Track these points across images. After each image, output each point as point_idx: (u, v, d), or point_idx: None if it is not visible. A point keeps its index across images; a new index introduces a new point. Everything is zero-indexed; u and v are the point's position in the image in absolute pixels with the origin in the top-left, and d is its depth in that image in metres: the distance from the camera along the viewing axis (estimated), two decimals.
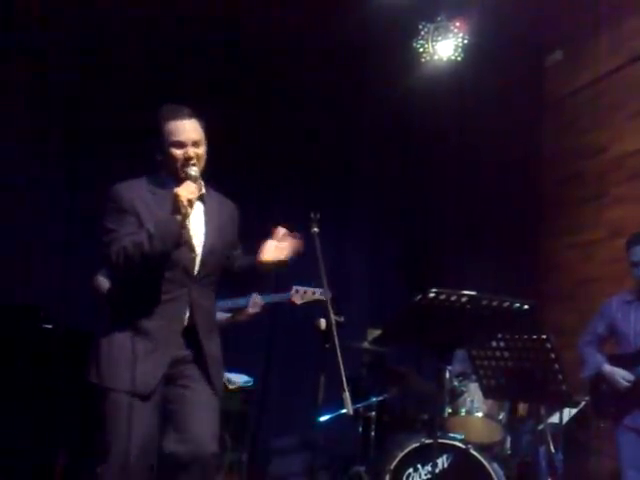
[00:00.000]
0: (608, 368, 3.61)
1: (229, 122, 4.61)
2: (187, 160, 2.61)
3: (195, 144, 2.63)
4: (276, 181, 5.09)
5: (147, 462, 2.52)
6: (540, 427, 4.01)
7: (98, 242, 2.62)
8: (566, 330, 4.73)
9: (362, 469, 4.00)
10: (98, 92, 4.68)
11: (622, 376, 3.53)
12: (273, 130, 5.07)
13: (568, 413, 4.23)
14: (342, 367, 2.45)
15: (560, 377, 3.08)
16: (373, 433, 4.04)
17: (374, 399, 4.12)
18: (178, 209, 2.48)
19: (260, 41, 5.05)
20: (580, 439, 4.38)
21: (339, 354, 2.50)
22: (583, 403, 4.13)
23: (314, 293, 3.83)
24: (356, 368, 4.14)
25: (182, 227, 2.51)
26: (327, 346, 2.65)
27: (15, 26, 4.51)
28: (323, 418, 3.77)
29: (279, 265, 2.67)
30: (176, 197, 2.48)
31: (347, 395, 2.41)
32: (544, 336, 3.06)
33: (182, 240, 2.55)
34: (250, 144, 4.96)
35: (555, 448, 3.93)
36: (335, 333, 2.54)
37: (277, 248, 2.67)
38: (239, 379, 4.17)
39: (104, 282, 3.75)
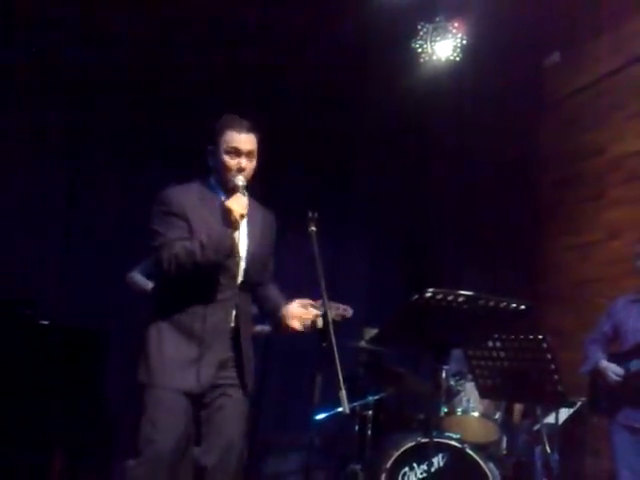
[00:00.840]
0: (604, 363, 3.65)
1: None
2: (239, 171, 2.67)
3: (249, 155, 2.70)
4: (275, 180, 5.09)
5: (175, 460, 2.56)
6: (536, 427, 4.02)
7: (145, 245, 2.67)
8: (563, 331, 4.75)
9: (358, 467, 4.00)
10: (98, 92, 4.69)
11: (613, 371, 3.57)
12: (272, 129, 5.06)
13: (564, 413, 4.25)
14: (339, 366, 2.46)
15: (556, 377, 3.09)
16: (369, 432, 4.04)
17: (371, 398, 4.13)
18: (231, 223, 2.56)
19: (259, 41, 5.05)
20: (576, 439, 4.39)
21: (336, 353, 2.51)
22: (579, 403, 4.15)
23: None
24: (353, 367, 4.14)
25: (233, 239, 2.59)
26: (324, 345, 2.67)
27: (15, 26, 4.52)
28: (320, 417, 3.79)
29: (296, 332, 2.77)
30: (229, 211, 2.56)
31: (344, 394, 2.42)
32: (540, 336, 3.06)
33: (234, 252, 2.62)
34: None
35: (551, 448, 3.94)
36: (332, 332, 2.55)
37: (301, 315, 2.74)
38: None
39: (141, 279, 3.97)
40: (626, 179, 5.10)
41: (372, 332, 3.86)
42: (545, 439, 3.81)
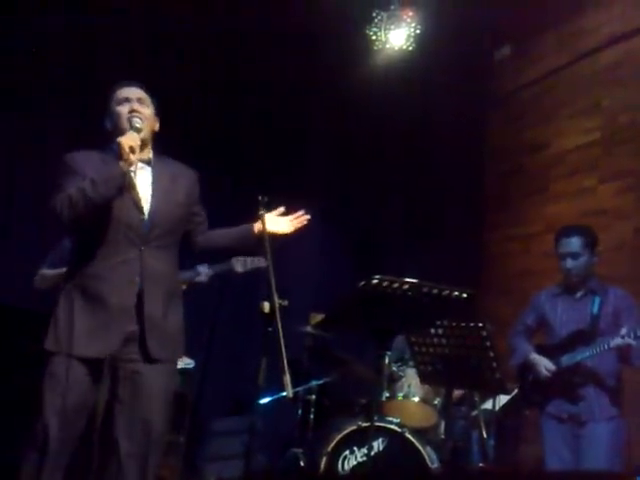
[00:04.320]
0: (534, 357, 3.71)
1: (183, 102, 4.62)
2: (131, 112, 2.68)
3: (140, 101, 2.72)
4: (227, 164, 5.06)
5: (76, 430, 2.52)
6: (474, 413, 4.13)
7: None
8: (502, 320, 4.86)
9: (299, 451, 4.04)
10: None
11: (545, 365, 3.60)
12: (223, 113, 5.03)
13: (501, 400, 4.36)
14: (284, 350, 2.47)
15: (494, 365, 3.15)
16: (312, 416, 4.08)
17: (314, 383, 4.16)
18: (122, 157, 2.55)
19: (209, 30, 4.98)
20: (511, 426, 4.51)
21: (281, 337, 2.53)
22: (516, 391, 4.25)
23: (253, 261, 3.85)
24: (298, 352, 4.17)
25: (125, 173, 2.56)
26: (270, 329, 2.68)
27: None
28: (263, 401, 3.80)
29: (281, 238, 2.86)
30: (119, 146, 2.55)
31: (288, 378, 2.44)
32: (480, 324, 3.13)
33: (125, 185, 2.58)
34: (201, 125, 4.92)
35: (487, 434, 4.05)
36: (279, 316, 2.56)
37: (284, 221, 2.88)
38: (180, 361, 4.15)
39: (51, 271, 3.70)
40: (567, 174, 5.24)
41: (318, 317, 3.89)
42: (482, 425, 3.92)
